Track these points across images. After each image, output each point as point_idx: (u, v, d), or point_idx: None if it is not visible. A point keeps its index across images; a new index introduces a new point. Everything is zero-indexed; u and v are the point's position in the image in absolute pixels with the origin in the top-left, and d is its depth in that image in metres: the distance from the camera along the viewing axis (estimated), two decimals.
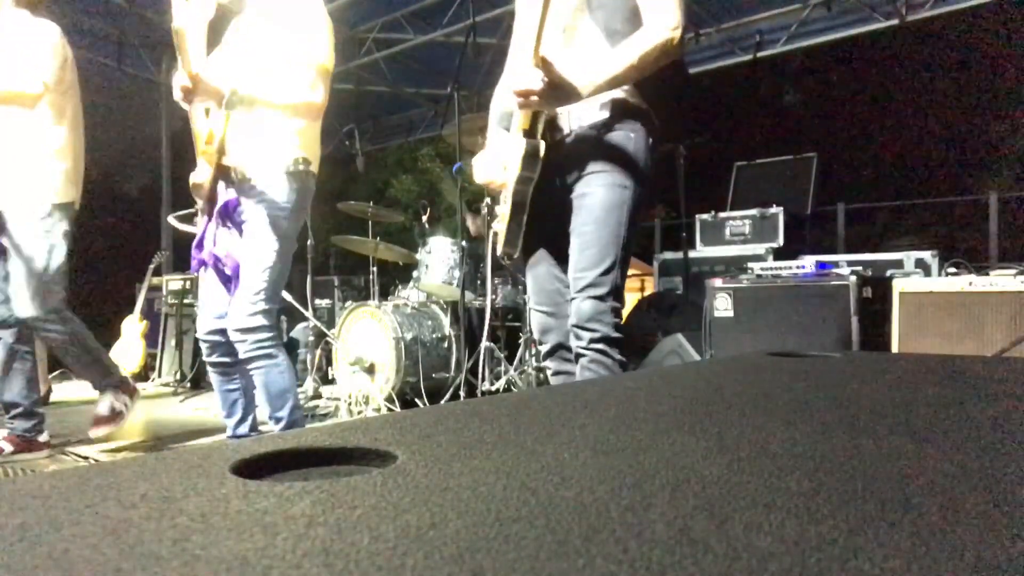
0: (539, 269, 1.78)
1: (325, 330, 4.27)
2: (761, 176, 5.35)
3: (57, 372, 5.15)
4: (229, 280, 2.13)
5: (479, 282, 3.76)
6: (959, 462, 0.53)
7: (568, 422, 0.69)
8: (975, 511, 0.41)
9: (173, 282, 5.29)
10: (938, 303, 2.77)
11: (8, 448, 2.53)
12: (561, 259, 1.73)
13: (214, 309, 2.20)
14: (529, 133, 1.59)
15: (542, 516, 0.40)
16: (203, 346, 2.24)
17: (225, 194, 2.15)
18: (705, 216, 4.69)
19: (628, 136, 1.63)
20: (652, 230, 6.88)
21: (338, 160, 7.89)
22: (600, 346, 1.58)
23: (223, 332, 2.15)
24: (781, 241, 4.34)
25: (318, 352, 4.39)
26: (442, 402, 3.27)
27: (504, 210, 1.70)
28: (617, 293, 1.61)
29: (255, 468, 0.53)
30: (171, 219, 2.41)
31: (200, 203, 2.24)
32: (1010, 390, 0.92)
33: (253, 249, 2.11)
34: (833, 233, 5.77)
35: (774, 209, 4.41)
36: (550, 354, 1.78)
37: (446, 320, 3.94)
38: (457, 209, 3.81)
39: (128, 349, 5.30)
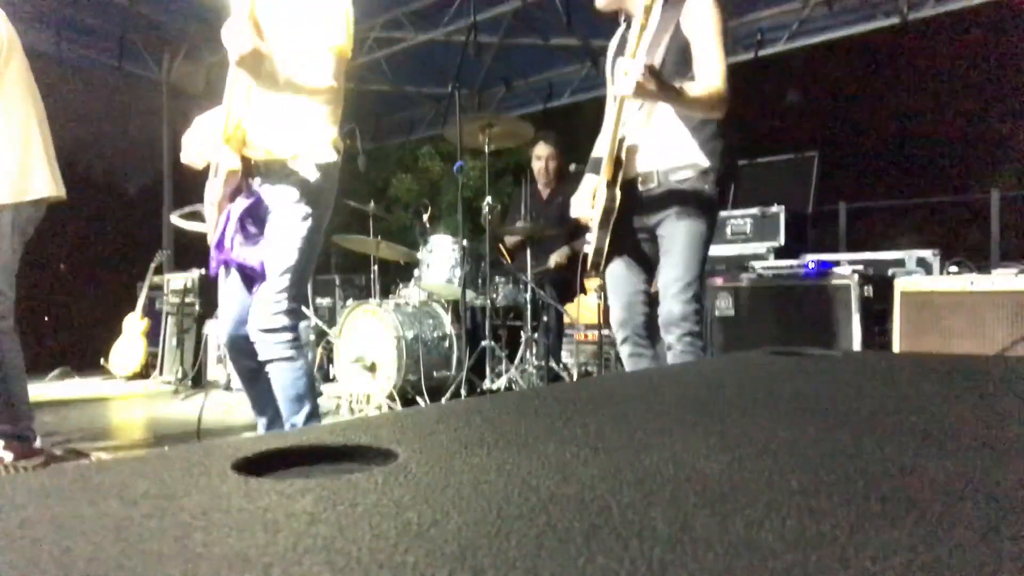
0: (619, 277, 2.25)
1: (326, 329, 4.27)
2: (762, 175, 5.34)
3: (58, 371, 5.17)
4: (254, 282, 2.02)
5: (480, 281, 3.76)
6: (960, 461, 0.53)
7: (569, 420, 0.69)
8: (975, 511, 0.41)
9: (174, 281, 5.29)
10: (940, 302, 2.76)
11: (8, 457, 2.51)
12: (637, 271, 2.24)
13: (236, 314, 2.08)
14: (611, 183, 2.09)
15: (543, 514, 0.40)
16: (228, 352, 2.15)
17: (250, 194, 2.03)
18: None
19: (703, 189, 2.12)
20: None
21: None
22: (688, 338, 2.07)
23: (247, 338, 2.03)
24: (782, 240, 4.34)
25: (319, 351, 4.40)
26: (443, 400, 3.27)
27: (592, 235, 2.21)
28: (698, 299, 2.10)
29: (256, 466, 0.53)
30: (174, 218, 2.33)
31: (208, 202, 2.12)
32: (1011, 389, 0.92)
33: (277, 247, 2.00)
34: (834, 232, 5.75)
35: (775, 208, 4.40)
36: (624, 341, 2.25)
37: (447, 319, 3.94)
38: (457, 208, 3.81)
39: (129, 348, 5.31)
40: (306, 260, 2.03)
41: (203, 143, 2.10)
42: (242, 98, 1.96)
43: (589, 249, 2.26)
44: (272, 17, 1.96)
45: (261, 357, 2.00)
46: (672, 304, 2.09)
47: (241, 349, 2.08)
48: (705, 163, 2.12)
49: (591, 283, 3.87)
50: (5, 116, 2.40)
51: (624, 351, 2.31)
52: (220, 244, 2.05)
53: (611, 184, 2.12)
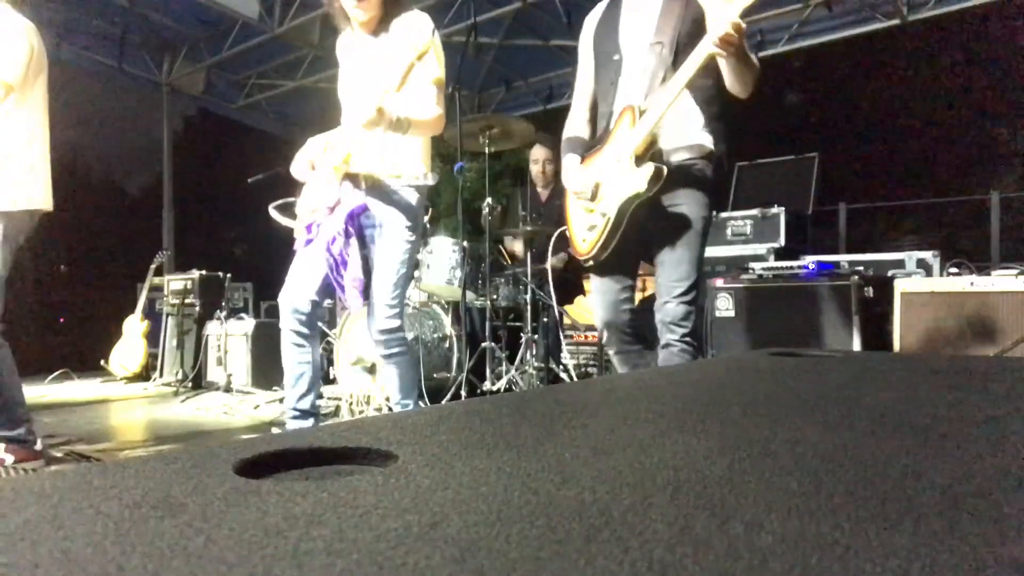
0: (607, 280, 2.19)
1: (327, 330, 4.27)
2: (762, 176, 5.35)
3: (58, 372, 5.16)
4: (336, 266, 2.25)
5: (480, 282, 3.76)
6: (960, 463, 0.53)
7: (569, 422, 0.69)
8: (975, 511, 0.41)
9: (174, 282, 5.29)
10: (939, 303, 2.76)
11: (9, 459, 2.50)
12: (624, 267, 2.16)
13: (311, 282, 2.29)
14: (641, 158, 1.96)
15: (543, 516, 0.40)
16: (287, 314, 2.30)
17: (352, 197, 2.23)
18: None
19: (705, 173, 2.06)
20: None
21: None
22: (688, 339, 2.04)
23: (314, 304, 2.30)
24: (782, 241, 4.34)
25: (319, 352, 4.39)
26: (443, 402, 3.27)
27: (600, 220, 2.09)
28: (697, 299, 2.08)
29: (257, 467, 0.53)
30: (272, 210, 2.42)
31: (303, 207, 2.31)
32: (1011, 390, 0.92)
33: (388, 258, 2.31)
34: (834, 233, 5.75)
35: (775, 209, 4.41)
36: (610, 341, 2.25)
37: (447, 320, 3.93)
38: (457, 209, 3.81)
39: (130, 349, 5.31)
40: (411, 268, 2.38)
41: (309, 163, 2.34)
42: (354, 134, 2.21)
43: (592, 234, 2.12)
44: (389, 75, 2.18)
45: (383, 353, 2.37)
46: (674, 305, 2.05)
47: (302, 314, 2.31)
48: (709, 145, 2.05)
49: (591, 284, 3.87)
50: (21, 127, 2.44)
51: (611, 350, 2.30)
52: (309, 227, 2.30)
53: (641, 159, 1.96)
